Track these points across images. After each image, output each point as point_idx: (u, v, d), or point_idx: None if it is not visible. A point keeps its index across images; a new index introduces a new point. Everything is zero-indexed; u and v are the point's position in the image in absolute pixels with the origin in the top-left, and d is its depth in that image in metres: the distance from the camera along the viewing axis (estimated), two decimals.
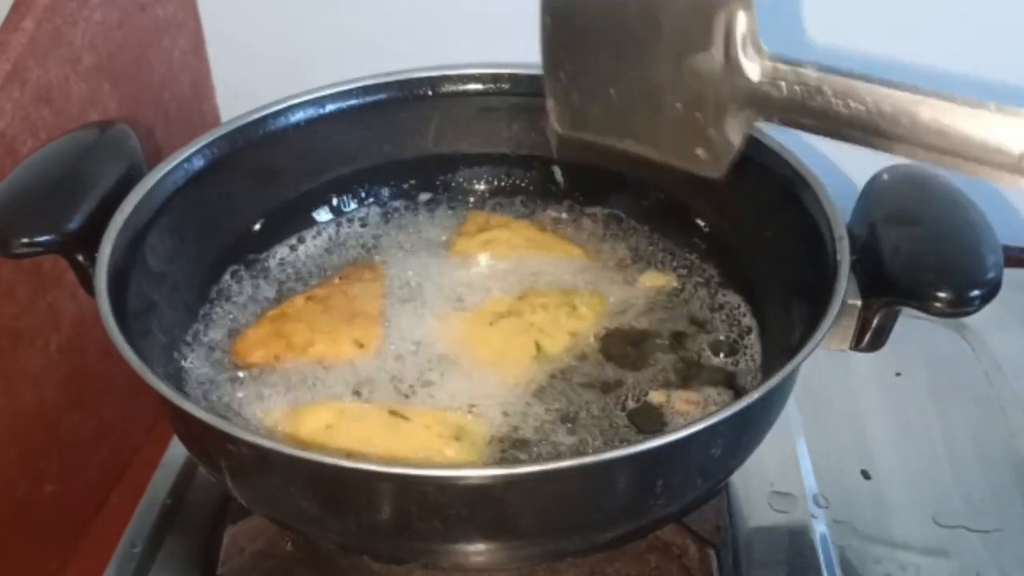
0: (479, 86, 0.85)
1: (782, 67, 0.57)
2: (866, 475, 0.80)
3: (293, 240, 0.84)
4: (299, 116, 0.80)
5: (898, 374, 0.89)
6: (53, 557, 0.83)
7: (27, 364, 0.79)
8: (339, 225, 0.85)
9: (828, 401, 0.86)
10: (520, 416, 0.68)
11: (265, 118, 0.79)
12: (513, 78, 0.84)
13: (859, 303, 0.63)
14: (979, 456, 0.81)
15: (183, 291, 0.74)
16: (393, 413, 0.67)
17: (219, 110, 1.08)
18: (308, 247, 0.84)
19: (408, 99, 0.84)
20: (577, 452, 0.66)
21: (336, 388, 0.70)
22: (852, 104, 0.55)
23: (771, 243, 0.74)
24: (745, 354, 0.73)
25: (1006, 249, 0.63)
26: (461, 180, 0.89)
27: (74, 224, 0.65)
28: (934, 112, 0.53)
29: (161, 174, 0.72)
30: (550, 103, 0.68)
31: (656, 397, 0.70)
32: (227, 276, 0.79)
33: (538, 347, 0.72)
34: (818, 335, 0.58)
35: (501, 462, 0.65)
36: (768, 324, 0.74)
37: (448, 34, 0.96)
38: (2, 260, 0.70)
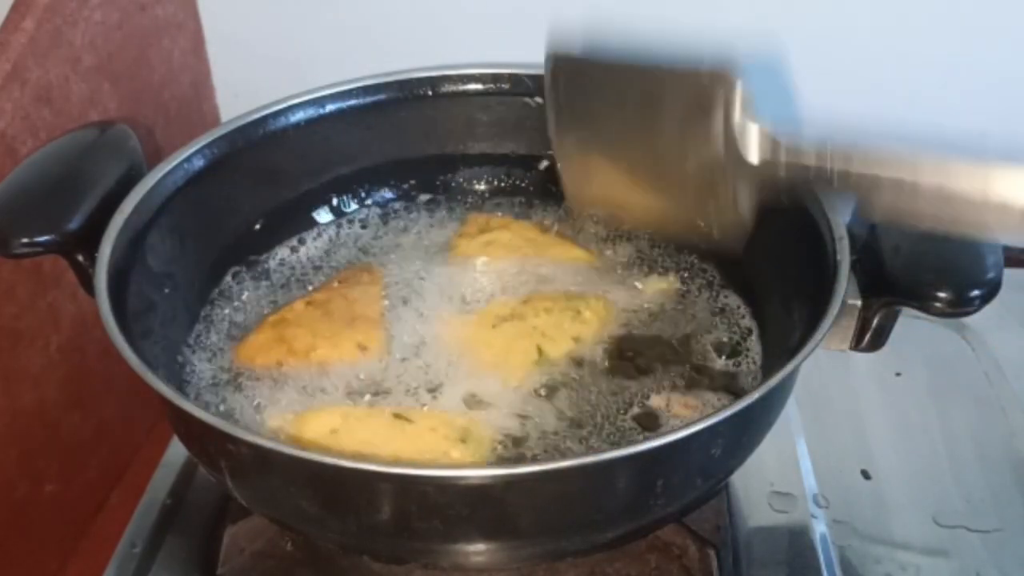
0: (479, 86, 0.85)
1: (781, 149, 0.58)
2: (866, 475, 0.80)
3: (294, 242, 0.84)
4: (299, 116, 0.80)
5: (898, 374, 0.89)
6: (53, 557, 0.83)
7: (27, 364, 0.79)
8: (339, 226, 0.85)
9: (828, 401, 0.86)
10: (523, 419, 0.68)
11: (265, 118, 0.79)
12: (513, 78, 0.84)
13: (859, 303, 0.63)
14: (979, 456, 0.81)
15: (184, 292, 0.74)
16: (397, 416, 0.67)
17: (219, 110, 1.08)
18: (309, 248, 0.84)
19: (408, 99, 0.84)
20: (578, 452, 0.66)
21: (339, 392, 0.70)
22: (852, 182, 0.56)
23: (771, 243, 0.74)
24: (747, 356, 0.73)
25: (1006, 249, 0.63)
26: (461, 180, 0.89)
27: (74, 224, 0.65)
28: (935, 175, 0.53)
29: (161, 174, 0.72)
30: (560, 167, 0.68)
31: (657, 402, 0.69)
32: (228, 277, 0.79)
33: (540, 351, 0.72)
34: (818, 335, 0.58)
35: (502, 462, 0.65)
36: (768, 325, 0.74)
37: (448, 34, 0.96)
38: (2, 260, 0.70)
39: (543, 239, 0.83)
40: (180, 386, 0.70)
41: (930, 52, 0.92)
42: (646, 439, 0.55)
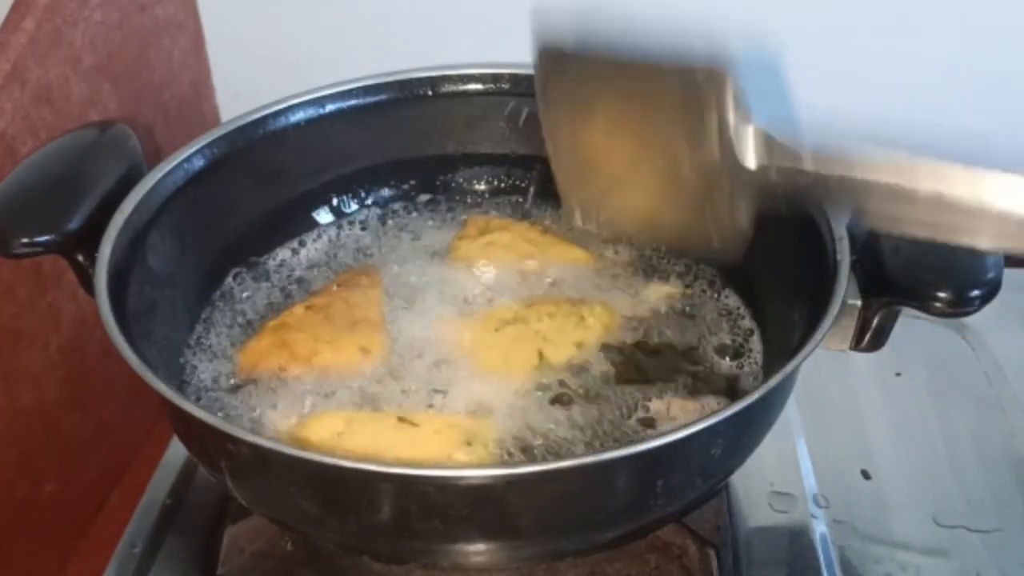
0: (479, 86, 0.85)
1: (778, 152, 0.57)
2: (866, 475, 0.80)
3: (294, 243, 0.84)
4: (299, 116, 0.80)
5: (898, 374, 0.89)
6: (53, 557, 0.83)
7: (27, 364, 0.79)
8: (339, 227, 0.85)
9: (828, 401, 0.86)
10: (527, 423, 0.68)
11: (265, 118, 0.79)
12: (513, 78, 0.84)
13: (859, 303, 0.63)
14: (979, 456, 0.81)
15: (184, 292, 0.74)
16: (402, 420, 0.67)
17: (219, 110, 1.08)
18: (309, 250, 0.84)
19: (408, 99, 0.84)
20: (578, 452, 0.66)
21: (343, 396, 0.70)
22: (848, 186, 0.55)
23: (771, 243, 0.74)
24: (748, 356, 0.73)
25: None
26: (461, 180, 0.89)
27: (74, 224, 0.65)
28: (933, 182, 0.52)
29: (161, 174, 0.72)
30: (553, 168, 0.67)
31: (659, 406, 0.69)
32: (229, 279, 0.79)
33: (541, 356, 0.72)
34: (818, 335, 0.58)
35: (503, 463, 0.65)
36: (768, 325, 0.74)
37: (448, 34, 0.96)
38: (2, 260, 0.70)
39: (543, 240, 0.83)
40: (180, 387, 0.70)
41: (930, 52, 0.92)
42: (646, 439, 0.55)
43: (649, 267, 0.82)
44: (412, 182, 0.88)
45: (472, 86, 0.85)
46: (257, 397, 0.70)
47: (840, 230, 0.65)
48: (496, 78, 0.84)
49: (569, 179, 0.67)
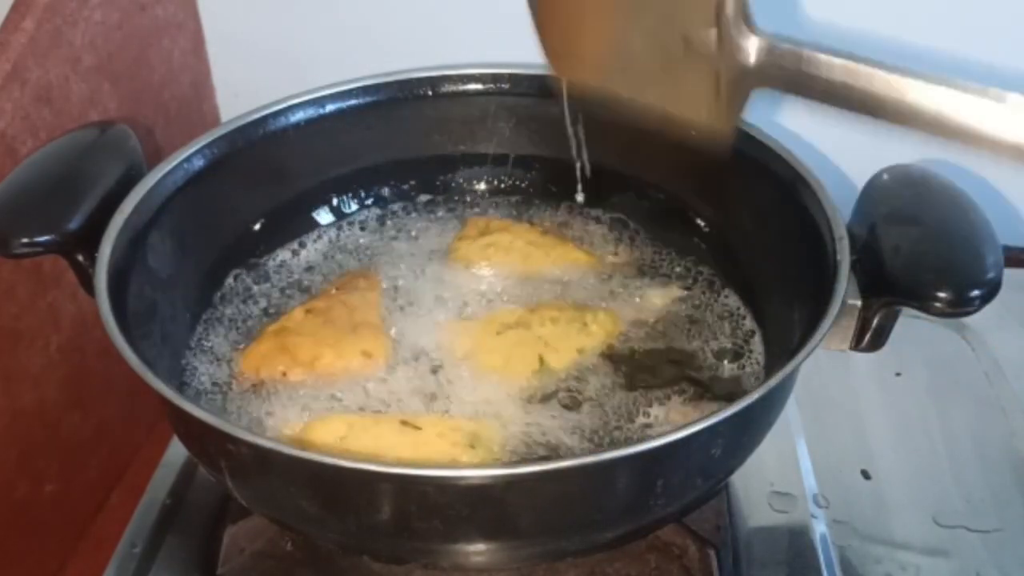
0: (479, 86, 0.85)
1: (779, 49, 0.56)
2: (866, 475, 0.80)
3: (295, 245, 0.83)
4: (299, 116, 0.80)
5: (898, 374, 0.89)
6: (53, 557, 0.83)
7: (27, 364, 0.79)
8: (339, 228, 0.85)
9: (828, 401, 0.86)
10: (529, 426, 0.68)
11: (265, 118, 0.79)
12: (513, 78, 0.84)
13: (859, 303, 0.63)
14: (979, 456, 0.81)
15: (184, 293, 0.74)
16: (405, 423, 0.66)
17: (219, 110, 1.08)
18: (309, 251, 0.84)
19: (408, 99, 0.84)
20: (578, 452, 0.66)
21: (345, 400, 0.70)
22: (854, 90, 0.55)
23: (771, 243, 0.74)
24: (749, 358, 0.73)
25: (1006, 249, 0.63)
26: (461, 181, 0.89)
27: (74, 224, 0.65)
28: (936, 100, 0.52)
29: (161, 174, 0.72)
30: (542, 47, 0.66)
31: (659, 412, 0.69)
32: (230, 279, 0.79)
33: (541, 361, 0.72)
34: (818, 335, 0.58)
35: (502, 463, 0.65)
36: (768, 325, 0.74)
37: (448, 34, 0.96)
38: (2, 260, 0.70)
39: (544, 241, 0.83)
40: (180, 387, 0.70)
41: None
42: (646, 439, 0.55)
43: (650, 268, 0.82)
44: (412, 182, 0.88)
45: (472, 86, 0.85)
46: (258, 402, 0.70)
47: (840, 230, 0.65)
48: (496, 78, 0.84)
49: (552, 32, 0.66)
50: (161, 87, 0.97)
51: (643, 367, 0.73)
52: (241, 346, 0.75)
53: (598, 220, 0.86)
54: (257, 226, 0.81)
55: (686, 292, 0.79)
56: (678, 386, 0.71)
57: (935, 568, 0.73)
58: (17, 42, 0.76)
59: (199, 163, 0.75)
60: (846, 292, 0.61)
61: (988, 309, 0.60)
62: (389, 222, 0.86)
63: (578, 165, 0.83)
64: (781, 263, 0.72)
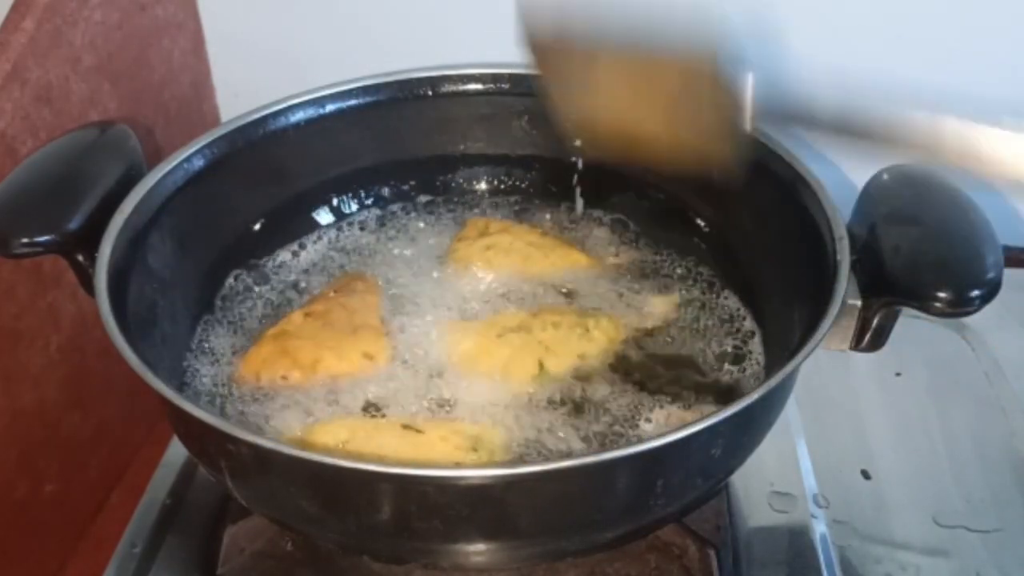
0: (479, 86, 0.85)
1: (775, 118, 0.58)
2: (866, 475, 0.80)
3: (295, 246, 0.84)
4: (299, 116, 0.80)
5: (898, 374, 0.89)
6: (53, 557, 0.83)
7: (27, 364, 0.79)
8: (339, 229, 0.85)
9: (828, 401, 0.86)
10: (530, 430, 0.68)
11: (265, 118, 0.79)
12: (513, 78, 0.84)
13: (859, 303, 0.63)
14: (979, 456, 0.81)
15: (184, 293, 0.74)
16: (407, 427, 0.66)
17: (219, 110, 1.08)
18: (309, 252, 0.84)
19: (408, 99, 0.84)
20: (578, 453, 0.66)
21: (347, 403, 0.70)
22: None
23: (771, 243, 0.74)
24: (750, 359, 0.73)
25: (1006, 249, 0.63)
26: (461, 181, 0.89)
27: (74, 224, 0.65)
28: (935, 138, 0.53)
29: (161, 174, 0.72)
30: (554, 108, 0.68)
31: (659, 415, 0.69)
32: (230, 280, 0.79)
33: (541, 366, 0.72)
34: (818, 335, 0.58)
35: (502, 463, 0.65)
36: (769, 325, 0.74)
37: (448, 34, 0.96)
38: (2, 260, 0.70)
39: (543, 242, 0.83)
40: (180, 388, 0.70)
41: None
42: (646, 439, 0.55)
43: (650, 269, 0.82)
44: (412, 182, 0.88)
45: (472, 86, 0.85)
46: (259, 406, 0.70)
47: (840, 230, 0.65)
48: (496, 78, 0.84)
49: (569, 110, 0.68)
50: (161, 87, 0.97)
51: (644, 370, 0.73)
52: (242, 348, 0.75)
53: (598, 221, 0.86)
54: (257, 226, 0.81)
55: (686, 294, 0.79)
56: (679, 389, 0.71)
57: (935, 568, 0.73)
58: (17, 42, 0.76)
59: (199, 163, 0.75)
60: (846, 292, 0.61)
61: (988, 309, 0.60)
62: (389, 223, 0.86)
63: (575, 181, 0.84)
64: (781, 263, 0.72)
